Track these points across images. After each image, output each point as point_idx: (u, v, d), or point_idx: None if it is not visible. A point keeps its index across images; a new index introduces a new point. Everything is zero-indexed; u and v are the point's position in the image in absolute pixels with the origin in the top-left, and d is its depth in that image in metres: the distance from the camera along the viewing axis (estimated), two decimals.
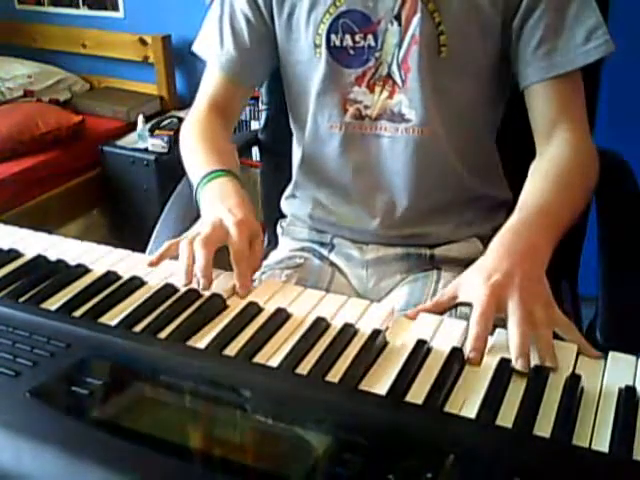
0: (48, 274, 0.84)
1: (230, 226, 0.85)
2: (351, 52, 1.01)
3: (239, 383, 0.66)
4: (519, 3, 0.95)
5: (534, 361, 0.68)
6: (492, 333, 0.72)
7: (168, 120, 2.47)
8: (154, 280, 0.83)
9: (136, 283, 0.82)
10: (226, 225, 0.85)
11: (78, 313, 0.76)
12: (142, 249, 1.00)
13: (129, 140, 2.48)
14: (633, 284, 0.95)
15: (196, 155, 1.03)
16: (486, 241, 0.84)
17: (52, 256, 0.88)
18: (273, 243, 1.25)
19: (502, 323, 0.73)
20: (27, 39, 2.93)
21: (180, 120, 2.43)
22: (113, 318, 0.75)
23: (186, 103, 2.66)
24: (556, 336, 0.72)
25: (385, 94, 1.02)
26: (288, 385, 0.65)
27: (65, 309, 0.77)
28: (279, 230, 1.22)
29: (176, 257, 0.83)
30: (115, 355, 0.69)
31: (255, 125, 2.31)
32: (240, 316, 0.76)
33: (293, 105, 1.13)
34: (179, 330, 0.73)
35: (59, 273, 0.84)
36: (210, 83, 1.11)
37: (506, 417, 0.61)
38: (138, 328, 0.74)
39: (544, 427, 0.59)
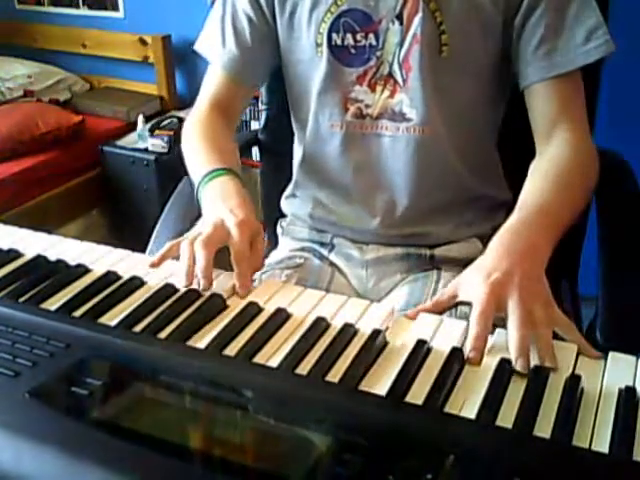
0: (48, 274, 0.84)
1: (231, 226, 0.85)
2: (352, 51, 1.02)
3: (239, 383, 0.66)
4: (520, 2, 0.96)
5: (534, 361, 0.68)
6: (492, 333, 0.72)
7: (168, 120, 2.47)
8: (154, 280, 0.83)
9: (136, 283, 0.82)
10: (227, 225, 0.85)
11: (78, 313, 0.76)
12: (142, 249, 1.00)
13: (129, 140, 2.48)
14: (633, 284, 0.95)
15: (197, 154, 1.03)
16: (486, 241, 0.84)
17: (52, 256, 0.88)
18: (273, 243, 1.25)
19: (502, 323, 0.73)
20: (27, 39, 2.93)
21: (180, 120, 2.43)
22: (113, 318, 0.75)
23: (186, 103, 2.66)
24: (556, 336, 0.72)
25: (386, 93, 1.02)
26: (288, 385, 0.65)
27: (65, 309, 0.77)
28: (279, 230, 1.22)
29: (177, 257, 0.83)
30: (115, 355, 0.69)
31: (255, 125, 2.31)
32: (240, 316, 0.76)
33: (294, 104, 1.13)
34: (179, 330, 0.73)
35: (59, 273, 0.84)
36: (212, 82, 1.11)
37: (506, 417, 0.61)
38: (138, 328, 0.74)
39: (544, 428, 0.59)
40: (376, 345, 0.70)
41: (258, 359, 0.69)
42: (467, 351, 0.69)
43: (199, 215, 0.93)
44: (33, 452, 0.57)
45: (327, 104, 1.05)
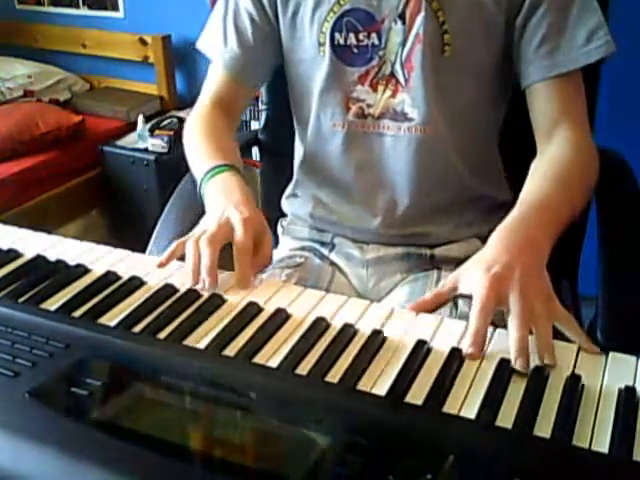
0: (47, 274, 0.84)
1: (236, 223, 0.86)
2: (355, 51, 1.02)
3: (239, 383, 0.66)
4: (522, 2, 0.96)
5: (533, 362, 0.67)
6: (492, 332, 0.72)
7: (168, 120, 2.47)
8: (154, 280, 0.83)
9: (136, 283, 0.82)
10: (232, 222, 0.86)
11: (77, 313, 0.76)
12: (142, 249, 1.00)
13: (129, 140, 2.48)
14: (633, 284, 0.95)
15: (200, 151, 1.03)
16: (486, 241, 0.84)
17: (51, 256, 0.88)
18: (273, 242, 1.25)
19: (502, 324, 0.73)
20: (27, 39, 2.93)
21: (180, 120, 2.43)
22: (113, 318, 0.75)
23: (186, 103, 2.66)
24: (556, 336, 0.72)
25: (388, 93, 1.02)
26: (288, 385, 0.65)
27: (64, 309, 0.77)
28: (279, 229, 1.22)
29: (183, 256, 0.84)
30: (114, 355, 0.69)
31: (255, 125, 2.31)
32: (240, 316, 0.76)
33: (296, 103, 1.13)
34: (179, 330, 0.73)
35: (58, 273, 0.84)
36: (214, 81, 1.12)
37: (506, 417, 0.61)
38: (138, 328, 0.74)
39: (544, 428, 0.59)
40: (376, 345, 0.70)
41: (258, 359, 0.69)
42: (466, 346, 0.69)
43: (200, 215, 0.93)
44: (33, 452, 0.57)
45: (329, 103, 1.05)
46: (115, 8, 2.76)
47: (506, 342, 0.69)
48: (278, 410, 0.63)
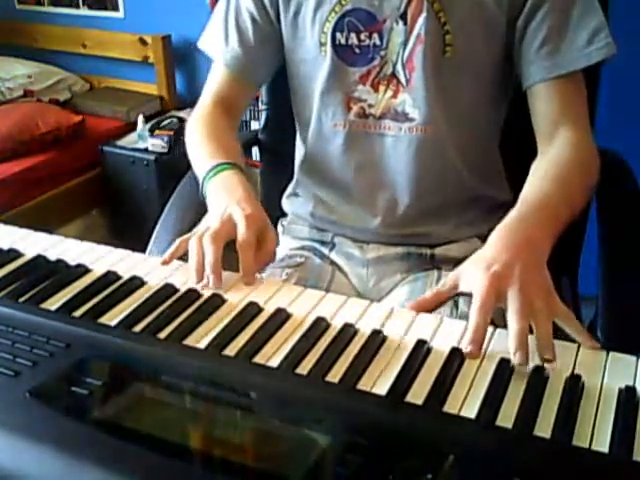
0: (48, 274, 0.84)
1: (238, 219, 0.86)
2: (356, 51, 1.02)
3: (239, 383, 0.66)
4: (524, 2, 0.96)
5: (533, 362, 0.67)
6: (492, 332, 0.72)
7: (168, 120, 2.47)
8: (154, 280, 0.83)
9: (136, 283, 0.82)
10: (235, 219, 0.86)
11: (78, 313, 0.76)
12: (142, 249, 1.00)
13: (129, 140, 2.48)
14: (633, 283, 0.95)
15: (201, 150, 1.04)
16: (486, 240, 0.84)
17: (52, 256, 0.88)
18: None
19: (502, 323, 0.73)
20: (27, 39, 2.93)
21: (180, 120, 2.43)
22: (113, 318, 0.75)
23: (186, 103, 2.67)
24: (556, 336, 0.72)
25: (389, 93, 1.02)
26: (288, 385, 0.65)
27: (65, 309, 0.77)
28: (280, 229, 1.22)
29: (185, 254, 0.84)
30: (115, 355, 0.69)
31: (255, 125, 2.31)
32: (240, 316, 0.76)
33: (297, 103, 1.13)
34: (179, 330, 0.73)
35: (59, 273, 0.84)
36: (215, 80, 1.12)
37: (506, 417, 0.61)
38: (138, 328, 0.74)
39: (544, 427, 0.59)
40: (376, 345, 0.70)
41: (258, 359, 0.69)
42: (465, 343, 0.69)
43: (200, 214, 0.93)
44: (33, 452, 0.57)
45: (330, 103, 1.06)
46: (115, 8, 2.76)
47: (506, 342, 0.69)
48: (278, 410, 0.63)
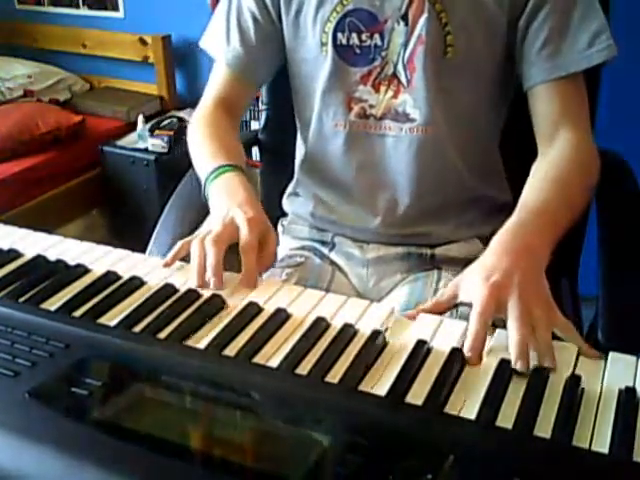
0: (48, 274, 0.84)
1: (240, 222, 0.86)
2: (357, 51, 1.02)
3: (239, 383, 0.66)
4: (525, 3, 0.96)
5: (533, 362, 0.67)
6: (492, 333, 0.72)
7: (168, 120, 2.47)
8: (154, 280, 0.83)
9: (136, 283, 0.82)
10: (237, 222, 0.86)
11: (78, 313, 0.76)
12: (142, 249, 1.00)
13: (129, 140, 2.48)
14: (633, 284, 0.95)
15: (203, 151, 1.04)
16: (486, 241, 0.84)
17: (52, 256, 0.88)
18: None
19: (502, 323, 0.73)
20: (27, 39, 2.93)
21: (180, 120, 2.43)
22: (113, 318, 0.75)
23: (186, 103, 2.66)
24: (556, 337, 0.72)
25: (390, 93, 1.02)
26: (288, 385, 0.65)
27: (64, 309, 0.76)
28: (280, 229, 1.22)
29: (187, 256, 0.84)
30: (114, 355, 0.69)
31: (255, 125, 2.31)
32: (240, 316, 0.76)
33: (299, 103, 1.13)
34: (179, 330, 0.73)
35: (59, 273, 0.84)
36: (216, 79, 1.12)
37: (506, 418, 0.61)
38: (138, 328, 0.74)
39: (544, 428, 0.59)
40: (376, 345, 0.70)
41: (258, 359, 0.69)
42: (465, 350, 0.69)
43: (200, 215, 0.93)
44: (32, 452, 0.57)
45: (331, 103, 1.06)
46: (115, 8, 2.76)
47: (506, 342, 0.69)
48: (278, 410, 0.63)
